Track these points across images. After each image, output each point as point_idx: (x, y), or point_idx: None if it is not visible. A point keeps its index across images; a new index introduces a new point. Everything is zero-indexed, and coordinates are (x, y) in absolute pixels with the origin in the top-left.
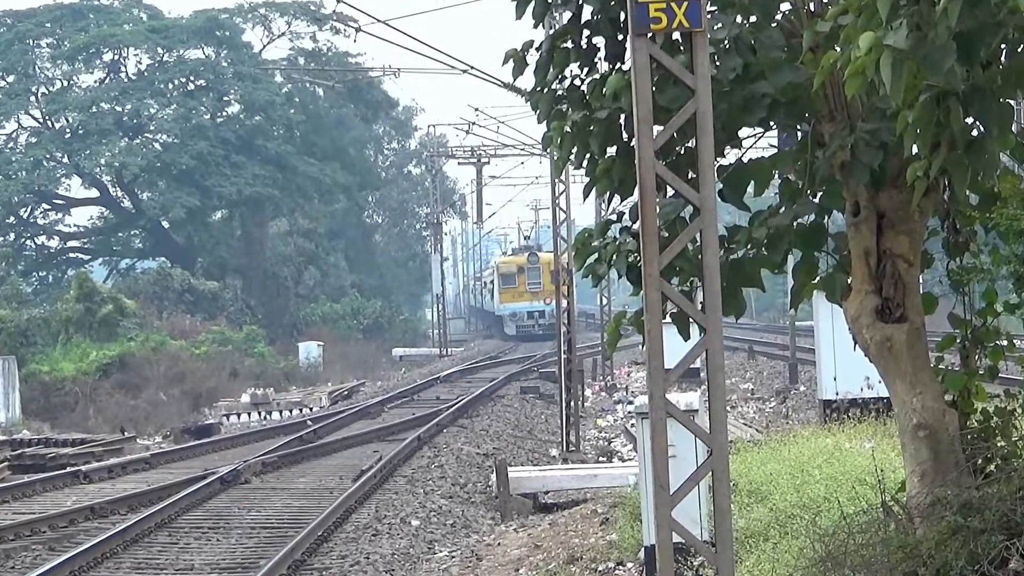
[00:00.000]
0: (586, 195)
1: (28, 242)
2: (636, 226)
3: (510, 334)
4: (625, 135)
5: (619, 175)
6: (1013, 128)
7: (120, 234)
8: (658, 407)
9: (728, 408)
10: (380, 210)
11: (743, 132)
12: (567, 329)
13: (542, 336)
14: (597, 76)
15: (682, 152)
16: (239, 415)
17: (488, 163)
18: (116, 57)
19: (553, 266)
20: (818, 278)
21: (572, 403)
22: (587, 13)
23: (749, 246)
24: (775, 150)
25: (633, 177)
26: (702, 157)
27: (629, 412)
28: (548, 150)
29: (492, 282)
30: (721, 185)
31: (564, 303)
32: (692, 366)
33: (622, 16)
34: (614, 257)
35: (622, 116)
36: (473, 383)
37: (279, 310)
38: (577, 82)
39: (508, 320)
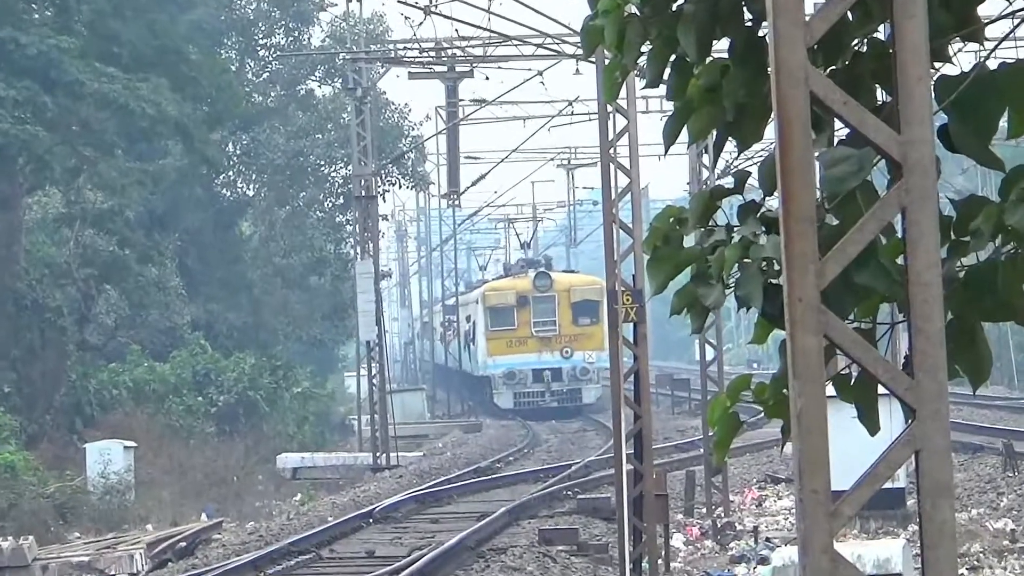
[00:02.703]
0: (670, 140)
1: None
2: (773, 204)
3: (504, 407)
4: (748, 17)
5: (736, 99)
6: None
7: None
8: (819, 569)
9: (963, 570)
10: (252, 171)
11: (983, 9)
12: (634, 410)
13: (558, 412)
14: None
15: (863, 51)
16: None
17: (471, 75)
18: None
19: (607, 284)
20: None
21: (645, 562)
22: None
23: (1000, 241)
24: None
25: (763, 104)
26: (905, 61)
27: None
28: (593, 51)
29: (472, 322)
30: (945, 117)
31: (628, 358)
32: (888, 485)
33: None
34: (734, 270)
35: None
36: (443, 523)
37: (46, 377)
38: None
39: (501, 384)
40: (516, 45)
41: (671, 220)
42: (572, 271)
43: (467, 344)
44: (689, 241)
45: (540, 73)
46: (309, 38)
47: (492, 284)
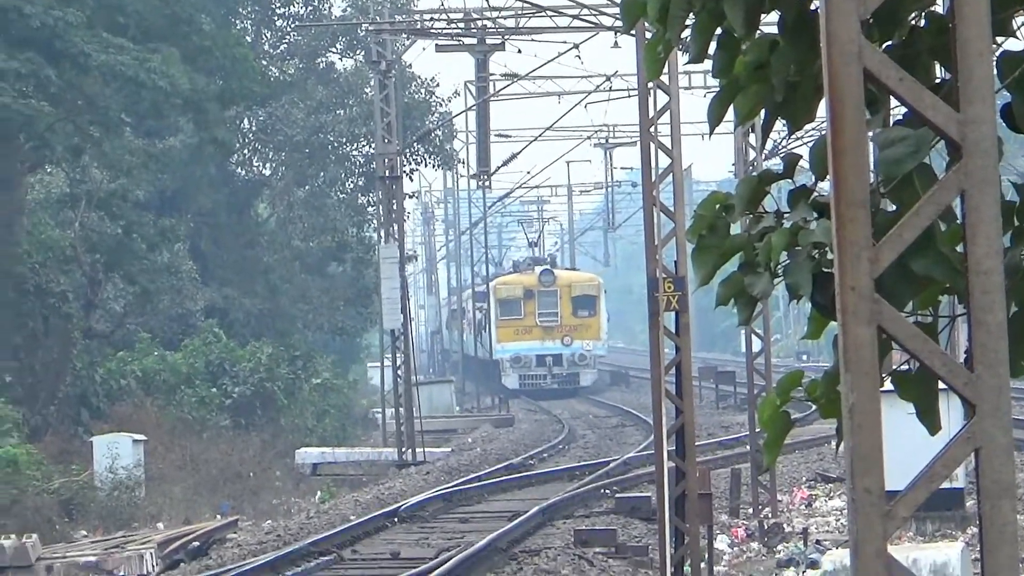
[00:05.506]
0: (715, 120)
1: None
2: (824, 188)
3: (511, 388)
4: None
5: (785, 76)
6: None
7: None
8: (872, 573)
9: None
10: (268, 149)
11: None
12: (676, 404)
13: (558, 392)
14: None
15: (921, 25)
16: None
17: (502, 48)
18: None
19: (647, 270)
20: None
21: (687, 565)
22: None
23: None
24: None
25: (814, 82)
26: (965, 35)
27: None
28: (634, 24)
29: (484, 312)
30: (1008, 96)
31: (669, 348)
32: (946, 485)
33: None
34: (782, 257)
35: None
36: (472, 523)
37: (50, 367)
38: None
39: (508, 367)
40: (550, 16)
41: (717, 207)
42: (573, 268)
43: (473, 331)
44: (736, 229)
45: (576, 46)
46: (329, 7)
47: (502, 279)
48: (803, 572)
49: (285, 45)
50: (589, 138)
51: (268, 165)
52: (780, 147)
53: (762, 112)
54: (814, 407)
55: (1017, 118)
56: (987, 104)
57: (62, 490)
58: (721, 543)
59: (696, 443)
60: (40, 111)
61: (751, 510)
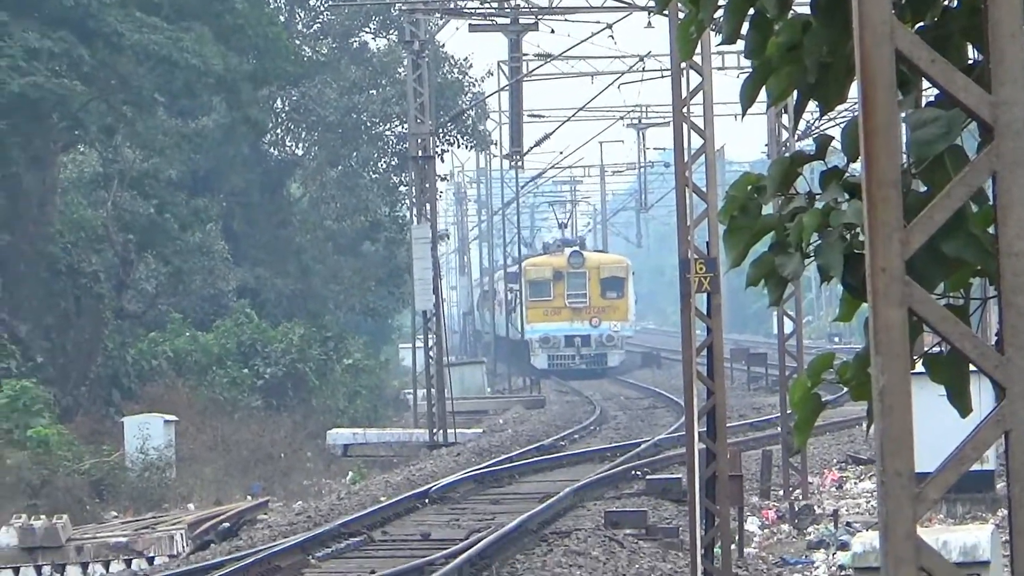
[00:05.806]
0: (748, 101)
1: None
2: (856, 169)
3: (539, 368)
4: None
5: (818, 58)
6: None
7: None
8: (901, 555)
9: None
10: (301, 129)
11: None
12: (707, 386)
13: (586, 372)
14: None
15: (953, 6)
16: None
17: (535, 28)
18: None
19: (679, 251)
20: None
21: (717, 547)
22: None
23: None
24: None
25: (846, 63)
26: (997, 15)
27: (840, 567)
28: (667, 4)
29: (514, 293)
30: None
31: (701, 329)
32: (976, 467)
33: None
34: (813, 239)
35: None
36: (503, 504)
37: (82, 347)
38: None
39: (537, 348)
40: None
41: (749, 188)
42: (602, 251)
43: (503, 311)
44: (768, 210)
45: (609, 26)
46: None
47: (532, 260)
48: (833, 554)
49: (318, 25)
50: (622, 118)
51: (301, 145)
52: (812, 128)
53: (794, 93)
54: (845, 389)
55: None
56: (1019, 85)
57: (93, 471)
58: (752, 525)
59: (727, 425)
60: (73, 90)
61: (782, 492)
